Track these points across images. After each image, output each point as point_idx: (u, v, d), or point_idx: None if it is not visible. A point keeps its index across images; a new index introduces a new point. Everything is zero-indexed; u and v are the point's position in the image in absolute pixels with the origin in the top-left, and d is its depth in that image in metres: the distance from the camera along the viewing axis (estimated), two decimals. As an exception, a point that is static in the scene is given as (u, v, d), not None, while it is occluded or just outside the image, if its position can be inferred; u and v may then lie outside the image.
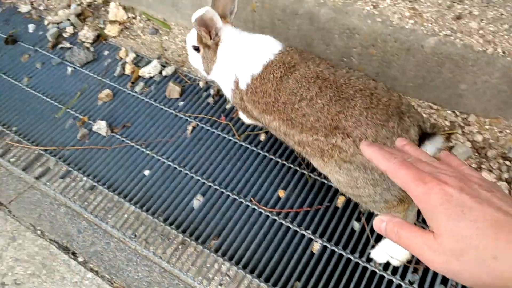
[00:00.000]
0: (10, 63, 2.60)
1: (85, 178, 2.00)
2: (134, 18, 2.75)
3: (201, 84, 2.33)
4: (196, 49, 1.80)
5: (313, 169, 1.91)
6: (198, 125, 2.16)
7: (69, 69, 2.51)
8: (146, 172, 1.99)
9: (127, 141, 2.13)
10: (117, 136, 2.15)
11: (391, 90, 1.49)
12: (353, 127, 1.40)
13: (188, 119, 2.19)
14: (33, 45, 2.68)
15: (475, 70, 1.82)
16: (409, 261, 1.61)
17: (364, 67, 2.12)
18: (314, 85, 1.49)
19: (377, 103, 1.42)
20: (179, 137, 2.12)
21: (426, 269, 1.58)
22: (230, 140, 2.08)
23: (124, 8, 2.78)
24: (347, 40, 2.08)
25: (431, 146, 1.47)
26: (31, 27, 2.78)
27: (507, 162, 1.78)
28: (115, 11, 2.71)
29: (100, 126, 2.16)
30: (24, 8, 2.92)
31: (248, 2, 2.23)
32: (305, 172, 1.91)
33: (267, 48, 1.65)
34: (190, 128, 2.14)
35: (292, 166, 1.94)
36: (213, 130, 2.12)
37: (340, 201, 1.80)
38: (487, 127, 1.91)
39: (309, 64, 1.56)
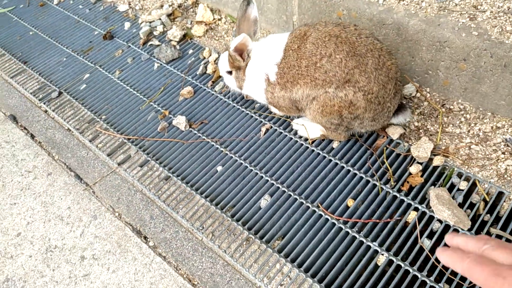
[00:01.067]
0: (106, 57, 2.82)
1: (161, 168, 2.11)
2: (219, 19, 2.86)
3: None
4: (229, 72, 2.07)
5: (386, 182, 1.85)
6: (272, 127, 2.19)
7: (156, 65, 2.67)
8: (219, 168, 2.06)
9: (203, 137, 2.21)
10: (194, 132, 2.25)
11: (391, 54, 1.79)
12: (365, 82, 1.69)
13: (263, 120, 2.22)
14: (127, 42, 2.89)
15: None
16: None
17: (451, 81, 2.02)
18: (329, 42, 1.71)
19: (383, 65, 1.71)
20: (253, 137, 2.16)
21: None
22: (302, 144, 2.08)
23: (211, 10, 2.90)
24: (435, 53, 1.99)
25: (401, 118, 1.92)
26: (126, 25, 3.00)
27: None
28: (202, 12, 2.84)
29: (180, 121, 2.27)
30: (122, 7, 3.16)
31: (335, 9, 2.22)
32: (377, 184, 1.85)
33: (281, 37, 1.89)
34: (264, 129, 2.17)
35: (364, 176, 1.89)
36: (286, 133, 2.14)
37: (411, 216, 1.73)
38: None
39: (317, 27, 1.78)
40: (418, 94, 2.13)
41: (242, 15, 2.01)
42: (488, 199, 1.72)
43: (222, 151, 2.13)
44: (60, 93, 2.63)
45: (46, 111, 2.57)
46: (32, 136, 2.46)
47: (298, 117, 2.14)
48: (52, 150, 2.35)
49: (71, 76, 2.74)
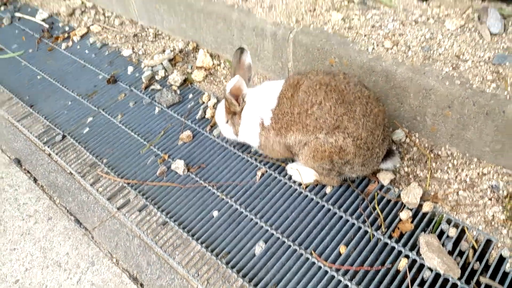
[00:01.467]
0: (109, 101, 2.93)
1: (159, 213, 2.17)
2: (218, 65, 2.98)
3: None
4: (226, 122, 2.18)
5: (377, 228, 1.89)
6: (267, 171, 2.25)
7: (157, 109, 2.77)
8: (215, 213, 2.11)
9: (201, 181, 2.27)
10: (192, 176, 2.31)
11: (379, 100, 1.88)
12: (354, 129, 1.78)
13: (259, 164, 2.29)
14: (129, 85, 3.01)
15: (562, 141, 1.71)
16: None
17: (438, 127, 2.08)
18: (319, 90, 1.83)
19: (370, 112, 1.81)
20: (249, 181, 2.22)
21: None
22: (296, 189, 2.13)
23: (211, 55, 3.02)
24: (422, 100, 2.07)
25: (390, 163, 2.00)
26: (130, 69, 3.12)
27: None
28: (202, 58, 2.95)
29: (178, 165, 2.34)
30: (126, 52, 3.29)
31: (327, 57, 2.32)
32: (369, 230, 1.89)
33: (276, 85, 2.00)
34: (259, 173, 2.24)
35: (356, 222, 1.94)
36: (281, 178, 2.20)
37: (402, 264, 1.76)
38: None
39: (309, 76, 1.90)
40: (408, 140, 2.19)
41: (236, 62, 2.11)
42: (476, 247, 1.75)
43: (218, 195, 2.19)
44: (63, 137, 2.73)
45: (49, 154, 2.66)
46: (35, 180, 2.54)
47: (292, 161, 2.21)
48: (53, 194, 2.42)
49: (75, 120, 2.84)
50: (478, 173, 1.97)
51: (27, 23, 3.96)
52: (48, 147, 2.68)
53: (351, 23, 2.38)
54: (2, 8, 4.25)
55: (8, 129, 2.91)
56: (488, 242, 1.76)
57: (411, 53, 2.12)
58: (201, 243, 2.00)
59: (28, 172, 2.59)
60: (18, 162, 2.66)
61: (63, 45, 3.55)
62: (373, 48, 2.19)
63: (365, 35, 2.28)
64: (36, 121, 2.91)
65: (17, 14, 4.06)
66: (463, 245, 1.77)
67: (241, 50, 2.11)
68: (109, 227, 2.18)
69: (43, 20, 3.89)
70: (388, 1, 2.44)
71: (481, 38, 2.08)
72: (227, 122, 2.17)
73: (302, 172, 2.12)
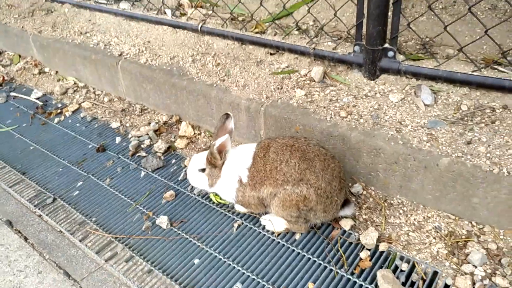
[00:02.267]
0: (98, 167, 3.20)
1: (144, 263, 2.36)
2: (199, 134, 3.35)
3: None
4: (202, 170, 2.45)
5: (341, 266, 2.15)
6: (243, 223, 2.51)
7: (142, 173, 3.06)
8: (196, 261, 2.32)
9: (183, 234, 2.51)
10: (175, 230, 2.55)
11: (335, 157, 2.29)
12: (315, 180, 2.12)
13: (235, 217, 2.56)
14: (117, 153, 3.31)
15: (484, 186, 2.08)
16: None
17: (389, 180, 2.44)
18: (286, 151, 2.21)
19: (327, 167, 2.17)
20: (226, 232, 2.47)
21: None
22: (269, 237, 2.39)
23: (193, 126, 3.40)
24: (374, 158, 2.44)
25: (348, 211, 2.33)
26: (117, 139, 3.45)
27: (520, 270, 1.92)
28: (185, 128, 3.33)
29: (162, 221, 2.58)
30: (114, 125, 3.64)
31: (293, 125, 2.73)
32: (333, 269, 2.14)
33: (250, 147, 2.37)
34: (236, 225, 2.50)
35: (322, 262, 2.19)
36: (255, 228, 2.46)
37: (364, 297, 1.99)
38: (501, 237, 2.09)
39: (277, 140, 2.31)
40: (365, 192, 2.54)
41: (220, 125, 2.47)
42: (425, 278, 2.02)
43: (199, 245, 2.42)
44: (54, 199, 2.94)
45: (40, 216, 2.85)
46: (26, 239, 2.70)
47: (265, 213, 2.49)
48: (43, 250, 2.58)
49: (65, 184, 3.08)
50: (424, 217, 2.30)
51: (22, 101, 4.31)
52: (39, 209, 2.88)
53: (313, 97, 2.83)
54: (-2, 88, 4.62)
55: (0, 194, 3.10)
56: (435, 273, 2.04)
57: (362, 120, 2.54)
58: (184, 287, 2.18)
59: (19, 232, 2.76)
60: (10, 223, 2.83)
61: (56, 120, 3.87)
62: (331, 117, 2.61)
63: (324, 107, 2.71)
64: (28, 187, 3.12)
65: (12, 94, 4.42)
66: (414, 276, 2.04)
67: (227, 115, 2.48)
68: (97, 277, 2.34)
69: (37, 99, 4.25)
70: (343, 80, 2.92)
71: (417, 108, 2.53)
72: (203, 171, 2.45)
73: (274, 222, 2.40)
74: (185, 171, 2.98)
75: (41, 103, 4.16)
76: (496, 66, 2.45)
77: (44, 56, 4.66)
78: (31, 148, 3.56)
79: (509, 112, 2.30)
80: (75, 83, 4.34)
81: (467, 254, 2.05)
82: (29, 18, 4.97)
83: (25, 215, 2.87)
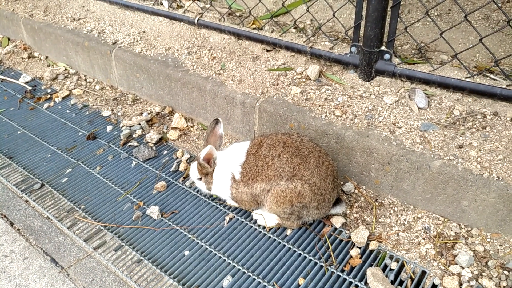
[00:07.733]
0: (88, 155, 3.16)
1: (134, 252, 2.34)
2: (192, 126, 3.33)
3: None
4: (199, 179, 2.50)
5: (331, 263, 2.17)
6: (234, 216, 2.52)
7: (134, 162, 3.03)
8: (186, 252, 2.32)
9: (173, 225, 2.50)
10: (166, 220, 2.53)
11: (329, 155, 2.31)
12: (309, 176, 2.14)
13: (227, 211, 2.56)
14: (108, 142, 3.28)
15: (474, 189, 2.13)
16: None
17: (381, 180, 2.48)
18: (278, 146, 2.23)
19: (322, 164, 2.20)
20: (218, 225, 2.47)
21: None
22: (261, 232, 2.40)
23: (185, 118, 3.39)
24: (367, 158, 2.48)
25: (339, 209, 2.35)
26: (109, 128, 3.41)
27: (506, 272, 1.98)
28: (178, 120, 3.31)
29: (153, 211, 2.57)
30: (106, 113, 3.60)
31: (287, 121, 2.74)
32: (323, 265, 2.16)
33: (243, 144, 2.40)
34: (227, 218, 2.50)
35: (312, 258, 2.21)
36: (247, 222, 2.47)
37: (353, 294, 2.02)
38: (488, 240, 2.15)
39: (270, 136, 2.32)
40: (356, 191, 2.57)
41: (210, 131, 2.50)
42: (413, 277, 2.06)
43: (189, 237, 2.41)
44: (42, 185, 2.89)
45: (27, 201, 2.80)
46: (11, 224, 2.65)
47: (257, 209, 2.50)
48: (30, 236, 2.54)
49: (54, 170, 3.03)
50: (414, 218, 2.35)
51: (10, 85, 4.22)
52: (26, 194, 2.83)
53: (308, 95, 2.85)
54: (-15, 70, 4.51)
55: (-15, 178, 3.04)
56: (423, 273, 2.08)
57: (357, 120, 2.57)
58: (173, 278, 2.18)
59: (5, 216, 2.71)
60: (-5, 207, 2.77)
61: (45, 105, 3.81)
62: (326, 116, 2.64)
63: (319, 105, 2.73)
64: (15, 171, 3.06)
65: (0, 77, 4.33)
66: (403, 275, 2.08)
67: (216, 121, 2.50)
68: (85, 265, 2.32)
69: (26, 83, 4.17)
70: (338, 79, 2.95)
71: (411, 111, 2.57)
72: (200, 179, 2.49)
73: (266, 217, 2.41)
74: (177, 162, 2.96)
75: (30, 88, 4.09)
76: (488, 74, 2.52)
77: (34, 40, 4.57)
78: (19, 132, 3.49)
79: (499, 119, 2.36)
80: (66, 69, 4.27)
81: (455, 255, 2.10)
82: (21, 1, 4.87)
83: (12, 199, 2.82)
